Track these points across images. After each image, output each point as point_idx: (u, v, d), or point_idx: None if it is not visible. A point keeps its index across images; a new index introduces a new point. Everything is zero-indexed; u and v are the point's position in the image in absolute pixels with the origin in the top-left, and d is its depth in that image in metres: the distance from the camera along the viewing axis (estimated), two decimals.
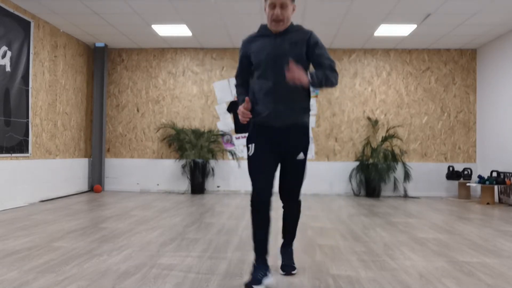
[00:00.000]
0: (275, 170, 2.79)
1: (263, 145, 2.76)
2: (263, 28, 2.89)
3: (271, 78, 2.73)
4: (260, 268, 2.67)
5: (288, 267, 2.98)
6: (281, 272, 2.96)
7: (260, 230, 2.72)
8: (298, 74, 2.53)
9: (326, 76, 2.71)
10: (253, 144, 2.77)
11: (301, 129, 2.83)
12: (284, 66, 2.64)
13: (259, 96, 2.77)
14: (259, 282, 2.60)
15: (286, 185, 2.87)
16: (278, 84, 2.71)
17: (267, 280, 2.65)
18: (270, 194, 2.71)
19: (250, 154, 2.77)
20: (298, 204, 2.98)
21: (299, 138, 2.82)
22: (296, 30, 2.83)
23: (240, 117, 2.73)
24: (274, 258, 3.23)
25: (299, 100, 2.78)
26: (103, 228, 4.56)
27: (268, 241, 2.74)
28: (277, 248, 3.26)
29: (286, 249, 3.09)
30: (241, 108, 2.72)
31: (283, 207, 2.99)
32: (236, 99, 2.98)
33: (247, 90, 2.91)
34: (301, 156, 2.81)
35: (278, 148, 2.77)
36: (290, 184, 2.87)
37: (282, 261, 3.03)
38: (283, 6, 2.70)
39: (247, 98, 2.70)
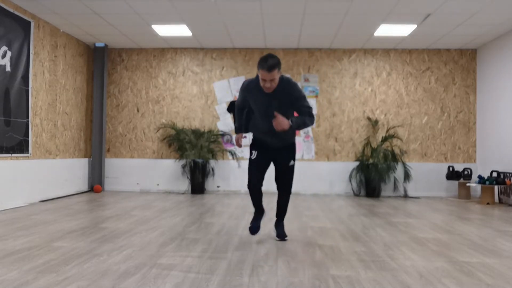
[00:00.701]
0: (267, 169, 3.99)
1: (262, 153, 3.93)
2: (258, 83, 3.67)
3: (265, 125, 3.77)
4: (257, 220, 4.06)
5: (281, 236, 4.06)
6: (276, 238, 4.07)
7: (255, 199, 4.00)
8: (281, 124, 3.55)
9: (304, 122, 3.69)
10: (256, 152, 3.94)
11: (289, 146, 3.97)
12: (273, 118, 3.62)
13: (260, 133, 3.93)
14: (256, 230, 4.04)
15: (281, 182, 4.02)
16: (271, 129, 3.70)
17: (262, 221, 4.12)
18: (260, 183, 3.94)
19: (253, 158, 3.93)
20: (289, 193, 4.08)
21: (288, 151, 3.97)
22: (283, 88, 3.65)
23: (236, 140, 4.07)
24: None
25: (287, 135, 3.84)
26: (103, 228, 4.56)
27: (261, 203, 4.05)
28: (272, 224, 4.23)
29: (279, 224, 4.14)
30: (237, 138, 4.08)
31: (278, 195, 4.08)
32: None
33: (244, 117, 4.04)
34: (291, 163, 3.97)
35: (273, 156, 3.96)
36: (284, 182, 4.02)
37: (277, 232, 4.10)
38: (272, 80, 3.55)
39: (240, 136, 4.08)
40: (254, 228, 4.03)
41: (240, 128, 4.09)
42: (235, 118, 4.09)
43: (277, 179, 4.00)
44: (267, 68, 3.48)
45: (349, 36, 7.76)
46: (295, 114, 3.83)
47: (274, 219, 4.20)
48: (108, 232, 4.31)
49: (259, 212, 4.09)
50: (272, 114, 3.63)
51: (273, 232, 4.13)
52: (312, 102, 8.47)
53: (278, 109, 3.64)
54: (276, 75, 3.53)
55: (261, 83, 3.59)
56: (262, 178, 3.96)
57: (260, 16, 6.70)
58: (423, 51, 8.60)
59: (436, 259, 3.40)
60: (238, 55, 8.72)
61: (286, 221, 4.46)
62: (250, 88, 3.79)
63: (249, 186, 3.92)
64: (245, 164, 8.37)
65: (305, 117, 3.71)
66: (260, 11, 6.46)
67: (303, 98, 3.74)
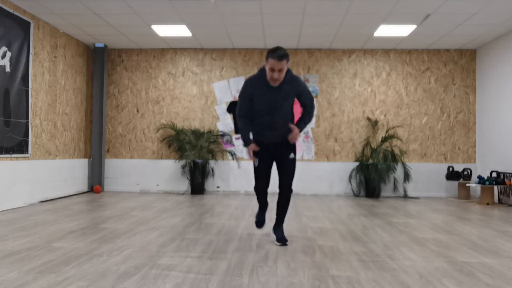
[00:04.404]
0: (271, 170, 4.00)
1: (263, 156, 3.92)
2: (264, 77, 3.69)
3: (269, 120, 3.79)
4: (262, 214, 4.18)
5: (282, 239, 3.88)
6: (276, 243, 3.87)
7: (261, 200, 4.12)
8: (296, 136, 3.81)
9: (305, 122, 3.88)
10: (257, 160, 3.93)
11: (288, 141, 3.90)
12: (278, 112, 3.76)
13: (260, 127, 3.86)
14: (262, 224, 4.21)
15: (281, 178, 3.92)
16: (273, 123, 3.82)
17: (265, 218, 4.25)
18: (266, 186, 4.06)
19: (256, 166, 3.96)
20: (290, 191, 3.95)
21: (288, 145, 3.89)
22: (289, 82, 3.70)
23: (249, 154, 3.91)
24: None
25: (287, 128, 3.83)
26: (103, 228, 4.56)
27: (267, 203, 4.16)
28: (269, 230, 4.24)
29: (278, 227, 4.01)
30: (250, 149, 3.89)
31: (279, 194, 3.97)
32: (238, 125, 3.96)
33: (250, 123, 3.89)
34: (291, 156, 3.91)
35: (274, 153, 3.94)
36: (285, 176, 3.90)
37: (276, 236, 3.94)
38: (281, 70, 3.55)
39: (253, 145, 3.89)
40: (261, 221, 4.18)
41: (249, 138, 3.92)
42: (241, 128, 3.93)
43: (279, 175, 3.95)
44: (277, 57, 3.50)
45: (349, 36, 7.77)
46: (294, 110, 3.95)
47: (273, 221, 4.16)
48: (108, 233, 4.31)
49: (263, 207, 4.18)
50: (277, 108, 3.72)
51: (272, 236, 4.03)
52: None
53: (283, 102, 3.72)
54: (285, 66, 3.55)
55: (269, 75, 3.59)
56: (268, 182, 4.05)
57: (260, 16, 6.70)
58: (422, 52, 8.60)
59: (436, 259, 3.40)
60: (237, 55, 8.72)
61: (286, 221, 4.45)
62: (255, 83, 3.75)
63: (255, 188, 4.07)
64: (244, 165, 8.39)
65: (305, 117, 3.87)
66: (260, 11, 6.46)
67: (307, 90, 3.84)
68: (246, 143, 3.90)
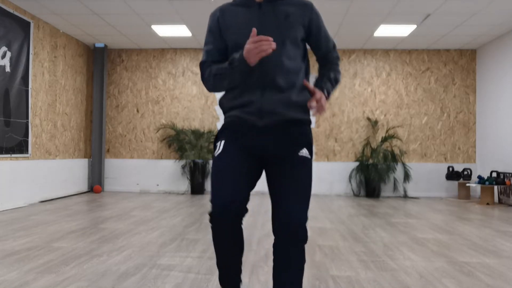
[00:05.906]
0: (252, 178, 1.91)
1: (237, 142, 1.92)
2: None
3: (256, 65, 1.79)
4: None
5: None
6: None
7: (225, 253, 2.00)
8: (323, 106, 1.79)
9: (336, 80, 1.99)
10: (222, 141, 1.96)
11: (298, 124, 1.91)
12: (274, 56, 1.81)
13: (239, 87, 1.89)
14: None
15: (283, 199, 1.82)
16: (267, 72, 1.84)
17: None
18: (240, 207, 1.85)
19: (217, 154, 1.93)
20: (302, 236, 1.81)
21: (296, 133, 1.92)
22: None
23: (255, 49, 1.70)
24: None
25: (294, 93, 1.88)
26: (102, 228, 4.55)
27: (239, 272, 2.05)
28: None
29: None
30: (250, 42, 1.72)
31: (278, 242, 1.88)
32: (212, 79, 1.93)
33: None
34: (303, 152, 1.89)
35: (263, 147, 1.90)
36: (290, 197, 1.81)
37: None
38: None
39: (254, 29, 1.74)
40: None
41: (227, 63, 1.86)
42: (209, 77, 1.93)
43: (274, 198, 1.88)
44: None
45: (349, 36, 7.77)
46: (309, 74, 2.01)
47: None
48: (107, 233, 4.31)
49: None
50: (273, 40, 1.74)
51: None
52: None
53: (282, 36, 1.87)
54: None
55: None
56: (244, 190, 1.85)
57: None
58: (422, 52, 8.60)
59: (436, 259, 3.40)
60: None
61: None
62: (226, 7, 1.97)
63: (212, 216, 1.86)
64: None
65: (328, 73, 1.99)
66: None
67: (325, 26, 2.12)
68: (234, 63, 1.81)
